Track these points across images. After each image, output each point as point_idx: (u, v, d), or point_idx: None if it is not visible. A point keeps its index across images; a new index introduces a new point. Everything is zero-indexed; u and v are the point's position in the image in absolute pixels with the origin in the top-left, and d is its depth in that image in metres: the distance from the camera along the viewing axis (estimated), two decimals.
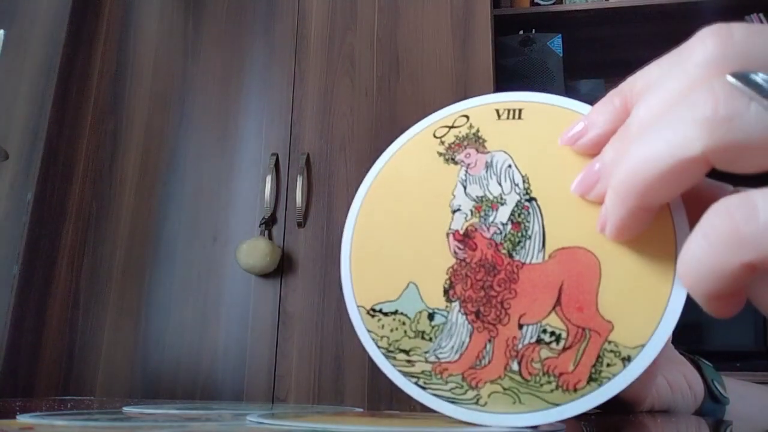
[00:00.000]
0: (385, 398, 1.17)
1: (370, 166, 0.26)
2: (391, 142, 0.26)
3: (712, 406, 0.43)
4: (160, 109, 1.45)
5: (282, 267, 1.29)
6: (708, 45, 0.18)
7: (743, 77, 0.16)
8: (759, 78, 0.16)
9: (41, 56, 1.43)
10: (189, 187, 1.38)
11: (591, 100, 0.22)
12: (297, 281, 1.29)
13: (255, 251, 1.24)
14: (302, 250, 1.30)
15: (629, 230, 0.20)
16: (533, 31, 1.61)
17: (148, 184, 1.40)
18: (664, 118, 0.18)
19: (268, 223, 1.31)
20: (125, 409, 0.32)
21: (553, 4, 1.60)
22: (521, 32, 1.61)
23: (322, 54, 1.42)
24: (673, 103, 0.18)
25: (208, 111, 1.43)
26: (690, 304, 0.19)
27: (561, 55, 1.57)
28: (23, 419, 0.24)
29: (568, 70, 1.61)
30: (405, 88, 1.36)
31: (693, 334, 1.42)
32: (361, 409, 0.37)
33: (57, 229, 1.39)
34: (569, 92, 1.60)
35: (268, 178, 1.32)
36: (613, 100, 0.22)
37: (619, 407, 0.38)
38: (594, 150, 0.22)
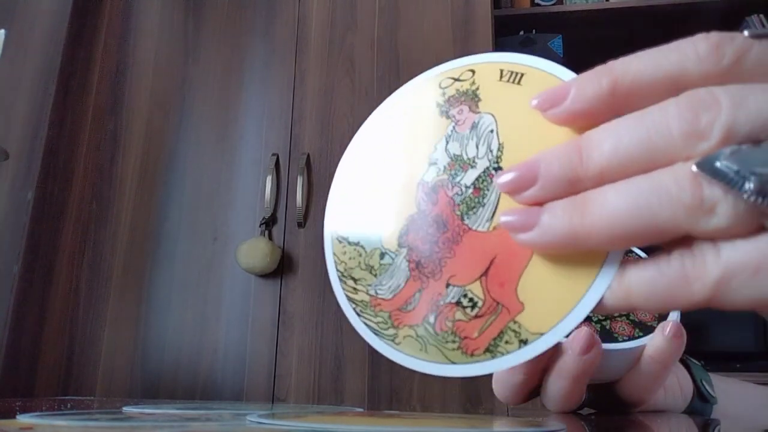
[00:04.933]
0: (385, 398, 1.17)
1: None
2: None
3: (701, 405, 0.43)
4: (161, 109, 1.45)
5: (282, 267, 1.29)
6: (724, 108, 0.17)
7: (709, 166, 0.16)
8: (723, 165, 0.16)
9: (42, 56, 1.43)
10: (189, 187, 1.38)
11: None
12: (297, 281, 1.29)
13: (255, 251, 1.24)
14: (302, 251, 1.30)
15: (556, 251, 0.19)
16: (534, 31, 1.61)
17: (148, 184, 1.40)
18: (644, 185, 0.17)
19: (269, 223, 1.31)
20: (125, 409, 0.32)
21: (554, 4, 1.60)
22: (522, 33, 1.61)
23: (323, 54, 1.42)
24: (654, 160, 0.17)
25: (209, 111, 1.43)
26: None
27: (561, 55, 1.57)
28: (23, 419, 0.24)
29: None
30: None
31: (693, 334, 1.42)
32: (361, 409, 0.37)
33: (57, 228, 1.39)
34: None
35: (269, 178, 1.32)
36: (600, 79, 0.20)
37: (620, 407, 0.38)
38: (565, 122, 0.20)
